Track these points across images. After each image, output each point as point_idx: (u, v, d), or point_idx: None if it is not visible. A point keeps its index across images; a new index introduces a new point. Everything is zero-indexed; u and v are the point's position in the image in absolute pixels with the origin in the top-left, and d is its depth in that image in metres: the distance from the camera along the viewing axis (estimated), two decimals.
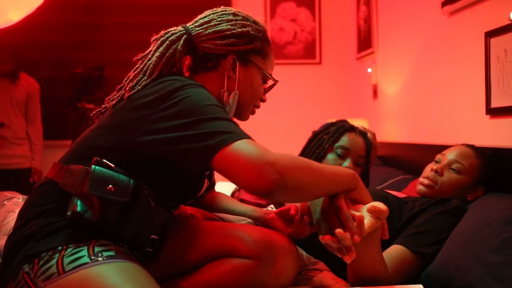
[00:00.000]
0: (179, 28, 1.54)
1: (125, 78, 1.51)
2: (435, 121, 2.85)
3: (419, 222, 1.71)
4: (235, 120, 1.59)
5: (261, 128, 4.64)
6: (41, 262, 1.28)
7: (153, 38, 1.54)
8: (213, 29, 1.52)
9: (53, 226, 1.32)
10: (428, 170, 1.94)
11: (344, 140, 2.22)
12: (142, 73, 1.47)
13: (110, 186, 1.32)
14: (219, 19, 1.54)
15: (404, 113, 3.36)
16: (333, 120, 2.40)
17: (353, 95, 4.56)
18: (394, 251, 1.61)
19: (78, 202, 1.31)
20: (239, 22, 1.55)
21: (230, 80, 1.55)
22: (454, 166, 1.89)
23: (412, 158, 2.97)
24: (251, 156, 1.22)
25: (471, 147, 1.96)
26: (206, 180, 1.54)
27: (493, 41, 2.16)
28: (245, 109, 1.61)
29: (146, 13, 4.48)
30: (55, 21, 4.25)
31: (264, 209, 1.74)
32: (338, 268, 1.69)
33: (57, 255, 1.28)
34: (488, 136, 2.25)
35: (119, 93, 1.49)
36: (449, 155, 1.93)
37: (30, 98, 3.89)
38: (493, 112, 2.19)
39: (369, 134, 2.29)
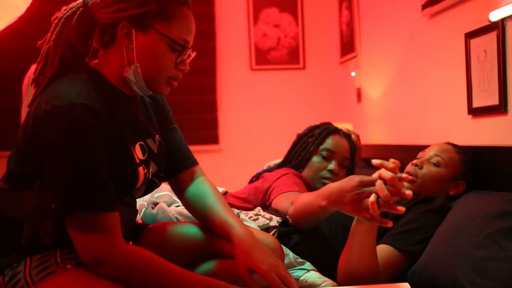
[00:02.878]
0: (80, 0, 1.37)
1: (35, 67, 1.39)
2: (419, 122, 2.88)
3: (405, 220, 1.73)
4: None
5: (247, 132, 4.65)
6: (7, 278, 1.26)
7: (53, 17, 1.39)
8: None
9: (12, 243, 1.30)
10: (409, 166, 1.97)
11: (329, 143, 2.24)
12: (44, 60, 1.36)
13: (53, 204, 1.27)
14: None
15: (388, 115, 3.39)
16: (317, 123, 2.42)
17: (338, 99, 4.59)
18: (381, 250, 1.63)
19: (29, 228, 1.28)
20: None
21: (129, 52, 1.35)
22: (434, 160, 1.92)
23: (397, 159, 2.97)
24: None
25: (452, 144, 1.99)
26: (140, 168, 1.39)
27: (473, 42, 2.19)
28: (156, 82, 1.39)
29: None
30: (37, 30, 4.24)
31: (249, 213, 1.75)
32: (326, 268, 1.70)
33: (22, 268, 1.26)
34: (471, 136, 2.27)
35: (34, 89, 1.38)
36: (430, 151, 1.97)
37: None
38: (475, 112, 2.22)
39: (353, 136, 2.32)
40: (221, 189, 2.36)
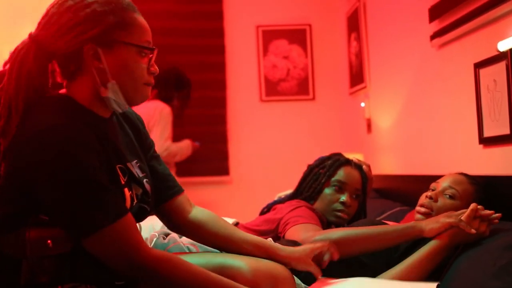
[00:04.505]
0: (26, 39, 1.33)
1: None
2: (429, 152, 2.87)
3: None
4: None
5: (257, 163, 4.66)
6: None
7: (4, 65, 1.33)
8: (56, 26, 1.30)
9: (10, 283, 1.27)
10: (423, 198, 1.96)
11: (341, 174, 2.23)
12: (8, 110, 1.28)
13: (49, 241, 1.25)
14: (60, 11, 1.31)
15: (399, 145, 3.39)
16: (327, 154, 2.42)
17: (348, 130, 4.60)
18: None
19: (27, 267, 1.25)
20: (80, 4, 1.30)
21: (100, 73, 1.33)
22: (448, 192, 1.91)
23: (408, 189, 2.98)
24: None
25: (464, 174, 1.98)
26: (126, 189, 1.36)
27: (483, 71, 2.20)
28: (134, 93, 1.38)
29: None
30: None
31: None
32: None
33: None
34: (482, 165, 2.26)
35: None
36: (443, 183, 1.95)
37: None
38: (486, 141, 2.22)
39: (364, 166, 2.31)
40: (232, 220, 2.35)
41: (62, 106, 1.32)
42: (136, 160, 1.46)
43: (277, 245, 1.56)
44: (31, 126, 1.25)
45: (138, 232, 1.28)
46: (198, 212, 1.59)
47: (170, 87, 3.94)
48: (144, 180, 1.45)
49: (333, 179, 2.22)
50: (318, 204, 2.22)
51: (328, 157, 2.34)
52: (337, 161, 2.28)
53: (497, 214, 1.68)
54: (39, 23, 1.33)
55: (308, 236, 1.76)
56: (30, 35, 1.32)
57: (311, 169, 2.34)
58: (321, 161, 2.34)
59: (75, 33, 1.29)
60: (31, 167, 1.22)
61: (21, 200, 1.26)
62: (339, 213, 2.18)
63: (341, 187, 2.21)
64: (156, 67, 1.40)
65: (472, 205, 1.68)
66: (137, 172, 1.43)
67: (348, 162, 2.28)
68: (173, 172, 3.87)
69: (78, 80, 1.35)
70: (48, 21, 1.31)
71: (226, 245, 1.55)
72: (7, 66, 1.32)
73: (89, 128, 1.29)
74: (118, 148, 1.39)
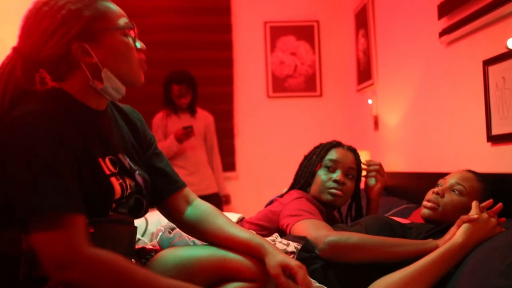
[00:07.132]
0: (11, 53, 1.35)
1: None
2: (437, 150, 2.86)
3: None
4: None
5: (264, 159, 4.66)
6: None
7: None
8: (37, 35, 1.31)
9: (10, 280, 1.27)
10: (430, 194, 1.95)
11: (332, 154, 2.24)
12: None
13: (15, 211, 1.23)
14: (37, 20, 1.33)
15: (406, 143, 3.37)
16: None
17: (354, 127, 4.59)
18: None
19: (24, 262, 1.26)
20: (54, 8, 1.33)
21: (91, 67, 1.36)
22: (456, 188, 1.90)
23: (415, 187, 2.97)
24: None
25: (472, 172, 1.97)
26: (113, 178, 1.37)
27: (491, 69, 2.19)
28: (131, 73, 1.42)
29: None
30: None
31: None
32: None
33: None
34: (490, 163, 2.25)
35: None
36: (451, 179, 1.94)
37: (208, 129, 4.15)
38: (494, 139, 2.20)
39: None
40: (237, 215, 2.36)
41: (48, 96, 1.34)
42: (126, 154, 1.46)
43: (267, 248, 1.47)
44: (12, 114, 1.26)
45: (82, 235, 1.22)
46: (194, 210, 1.58)
47: (164, 93, 4.04)
48: (136, 172, 1.46)
49: (324, 159, 2.23)
50: (313, 188, 2.21)
51: (321, 143, 2.37)
52: (328, 144, 2.31)
53: (497, 205, 1.72)
54: (20, 36, 1.35)
55: (321, 235, 1.74)
56: (14, 48, 1.34)
57: (305, 157, 2.37)
58: (314, 148, 2.37)
59: (59, 36, 1.31)
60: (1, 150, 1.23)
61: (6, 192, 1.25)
62: (333, 190, 2.16)
63: (333, 166, 2.21)
64: (142, 43, 1.44)
65: (473, 202, 1.72)
66: (128, 163, 1.44)
67: (340, 144, 2.30)
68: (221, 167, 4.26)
69: (70, 79, 1.37)
70: (28, 32, 1.33)
71: (216, 243, 1.52)
72: None
73: (72, 119, 1.31)
74: (109, 140, 1.41)
